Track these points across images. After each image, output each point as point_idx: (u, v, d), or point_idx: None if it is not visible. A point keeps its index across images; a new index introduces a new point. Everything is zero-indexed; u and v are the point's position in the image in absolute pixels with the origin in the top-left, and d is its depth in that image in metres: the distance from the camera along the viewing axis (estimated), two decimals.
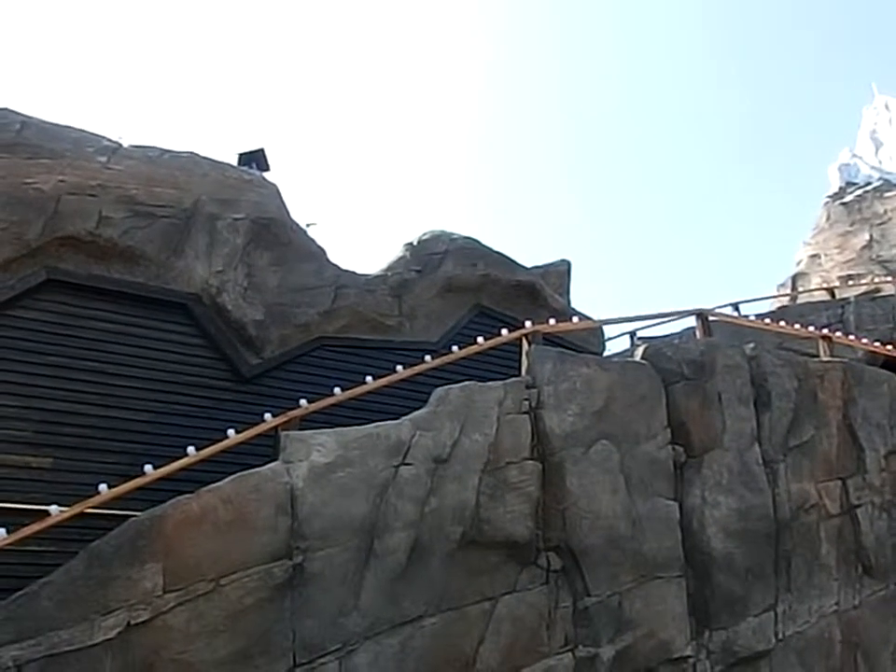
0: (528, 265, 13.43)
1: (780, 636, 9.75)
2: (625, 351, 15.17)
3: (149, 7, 55.40)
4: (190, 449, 8.09)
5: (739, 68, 59.98)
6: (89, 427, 9.05)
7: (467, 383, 8.96)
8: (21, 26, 48.31)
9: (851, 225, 26.01)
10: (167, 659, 6.91)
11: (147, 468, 7.85)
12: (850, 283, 23.29)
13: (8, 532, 7.11)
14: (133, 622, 6.83)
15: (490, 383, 9.07)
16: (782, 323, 13.35)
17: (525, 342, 9.87)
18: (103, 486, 7.62)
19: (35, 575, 6.86)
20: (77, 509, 7.45)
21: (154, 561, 6.99)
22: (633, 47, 58.84)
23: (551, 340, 10.71)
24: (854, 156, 28.35)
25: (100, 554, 6.92)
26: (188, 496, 7.33)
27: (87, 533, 7.30)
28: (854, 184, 27.23)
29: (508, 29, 58.90)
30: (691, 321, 12.13)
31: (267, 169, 13.17)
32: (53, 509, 7.40)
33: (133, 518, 7.16)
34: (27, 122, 9.87)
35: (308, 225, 12.03)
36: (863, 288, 21.90)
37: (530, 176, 60.66)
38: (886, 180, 26.75)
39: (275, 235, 10.93)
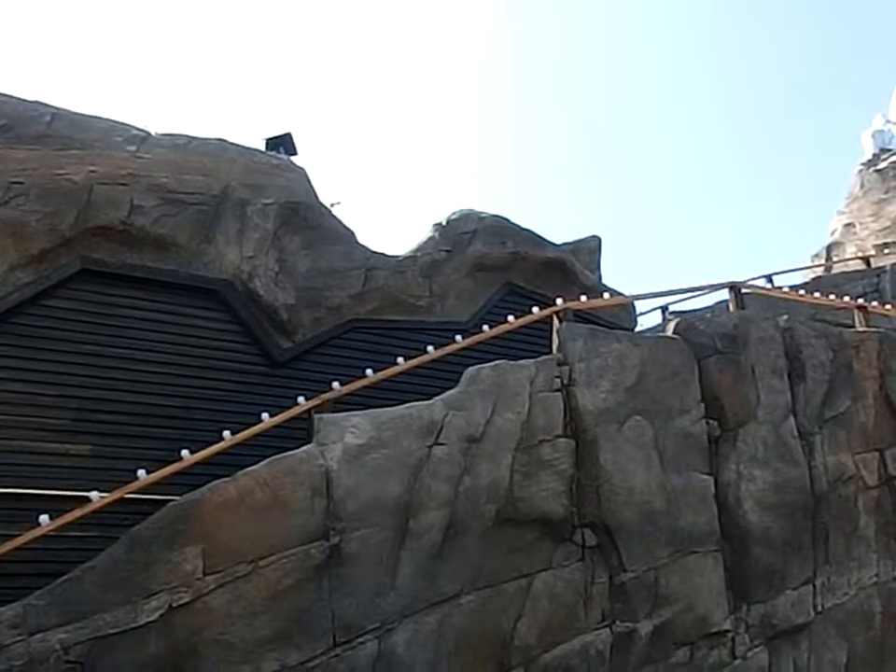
0: (558, 242, 13.37)
1: (819, 608, 9.73)
2: (657, 326, 15.07)
3: None
4: (226, 433, 8.17)
5: (771, 36, 59.07)
6: (125, 413, 9.15)
7: (498, 362, 8.96)
8: (45, 18, 48.66)
9: (886, 192, 25.60)
10: (209, 640, 7.02)
11: (184, 452, 7.94)
12: (886, 251, 22.92)
13: (51, 518, 7.24)
14: (174, 604, 6.94)
15: (521, 361, 9.06)
16: (816, 294, 13.24)
17: (555, 319, 9.84)
18: (141, 472, 7.72)
19: (79, 560, 6.98)
20: (117, 494, 7.56)
21: (193, 544, 7.09)
22: (671, 21, 58.10)
23: (582, 317, 10.66)
24: (888, 122, 27.87)
25: (140, 539, 7.03)
26: (224, 479, 7.41)
27: (127, 518, 7.39)
28: (888, 150, 26.80)
29: (538, 6, 58.40)
30: (723, 294, 12.05)
31: (294, 153, 13.16)
32: (94, 495, 7.52)
33: (172, 502, 7.26)
34: (57, 114, 9.94)
35: (332, 204, 12.04)
36: None
37: (559, 153, 60.27)
38: None
39: (305, 219, 10.96)
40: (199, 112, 48.58)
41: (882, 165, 26.32)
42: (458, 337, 10.08)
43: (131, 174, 9.77)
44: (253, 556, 7.26)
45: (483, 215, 12.73)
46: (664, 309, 16.56)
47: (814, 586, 9.74)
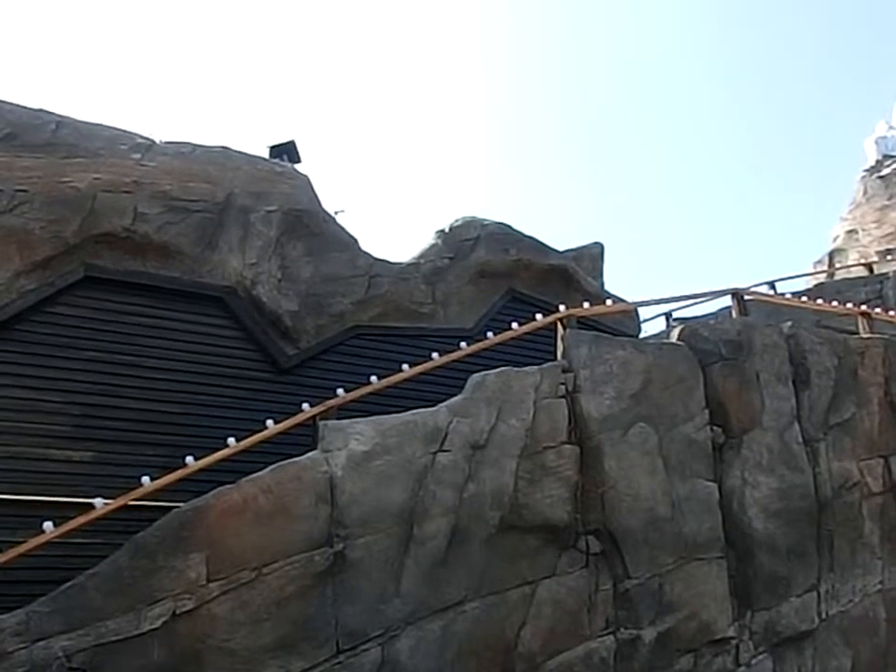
0: (561, 249, 13.39)
1: (824, 615, 9.69)
2: (661, 332, 15.09)
3: (177, 4, 55.72)
4: (230, 440, 8.17)
5: (774, 42, 59.17)
6: (128, 420, 9.18)
7: (502, 368, 8.95)
8: (50, 26, 48.84)
9: (889, 199, 25.58)
10: (213, 647, 7.00)
11: (189, 459, 7.94)
12: (889, 257, 22.87)
13: (55, 525, 7.23)
14: (178, 611, 6.93)
15: (526, 368, 9.06)
16: (820, 300, 13.21)
17: (559, 326, 9.84)
18: (145, 479, 7.72)
19: (82, 567, 6.97)
20: (120, 501, 7.55)
21: (197, 551, 7.08)
22: (673, 27, 58.20)
23: (585, 323, 10.66)
24: (891, 128, 27.85)
25: (144, 546, 7.02)
26: (229, 486, 7.41)
27: (131, 525, 7.41)
28: (891, 157, 26.76)
29: (543, 11, 58.55)
30: (726, 301, 12.02)
31: (298, 161, 13.21)
32: (98, 502, 7.51)
33: (176, 509, 7.26)
34: (62, 122, 10.00)
35: (336, 212, 12.08)
36: None
37: (560, 160, 60.33)
38: None
39: (308, 226, 10.99)
40: (203, 120, 48.68)
41: (885, 172, 26.31)
42: (462, 344, 10.08)
43: (135, 181, 9.82)
44: (257, 563, 7.24)
45: (486, 222, 12.77)
46: (667, 316, 16.59)
47: (818, 593, 9.70)
